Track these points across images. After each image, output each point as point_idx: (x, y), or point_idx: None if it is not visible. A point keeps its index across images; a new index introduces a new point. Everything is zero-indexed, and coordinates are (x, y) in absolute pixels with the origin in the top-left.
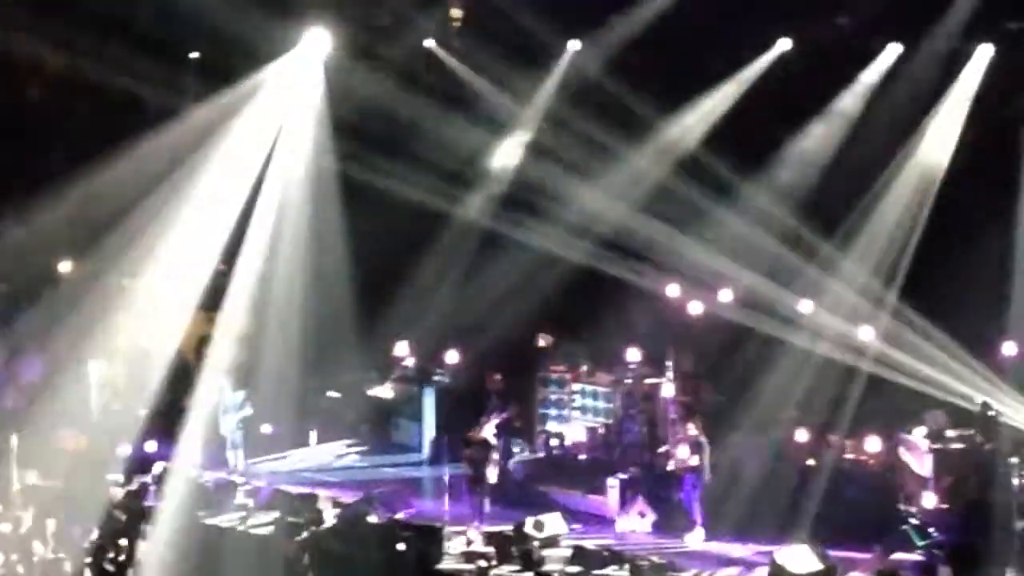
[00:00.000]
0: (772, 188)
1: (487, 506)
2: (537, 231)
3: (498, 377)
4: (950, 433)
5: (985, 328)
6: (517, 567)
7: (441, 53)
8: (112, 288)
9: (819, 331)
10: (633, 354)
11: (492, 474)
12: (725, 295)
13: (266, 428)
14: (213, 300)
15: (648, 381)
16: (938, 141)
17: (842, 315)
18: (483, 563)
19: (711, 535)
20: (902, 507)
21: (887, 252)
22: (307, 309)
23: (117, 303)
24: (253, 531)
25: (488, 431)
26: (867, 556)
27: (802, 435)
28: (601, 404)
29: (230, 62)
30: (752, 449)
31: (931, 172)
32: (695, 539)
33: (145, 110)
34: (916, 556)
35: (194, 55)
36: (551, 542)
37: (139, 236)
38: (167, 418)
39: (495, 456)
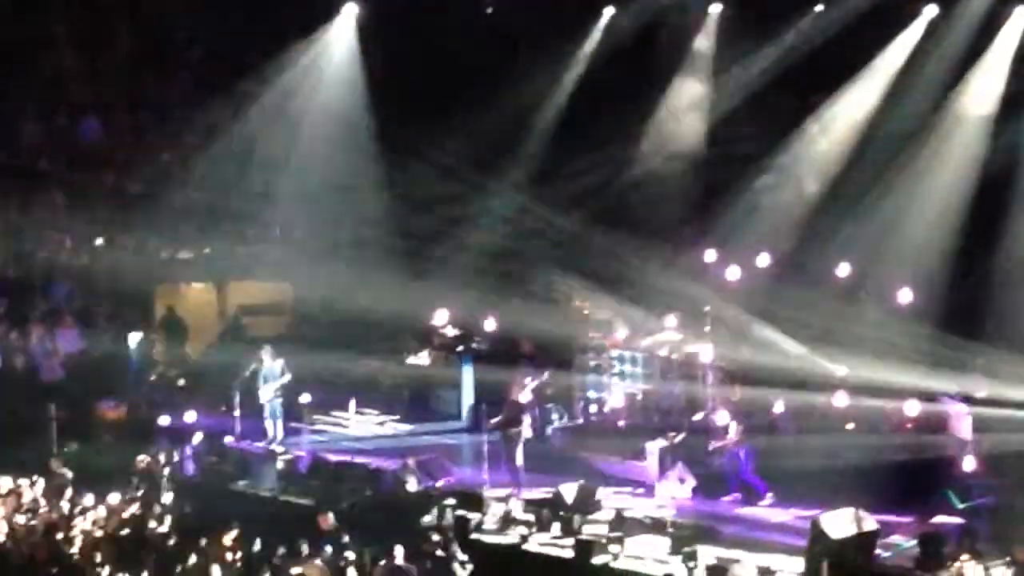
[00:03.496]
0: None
1: (522, 471)
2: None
3: (529, 343)
4: (989, 395)
5: None
6: (556, 534)
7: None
8: (151, 260)
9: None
10: (671, 320)
11: (524, 436)
12: (763, 260)
13: (304, 397)
14: (251, 270)
15: (686, 347)
16: (976, 103)
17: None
18: (523, 530)
19: (752, 500)
20: (942, 470)
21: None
22: (346, 276)
23: (156, 274)
24: (292, 500)
25: (524, 395)
26: (908, 519)
27: (842, 399)
28: (640, 370)
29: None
30: (791, 413)
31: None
32: (735, 504)
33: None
34: (957, 519)
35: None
36: (591, 509)
37: (181, 207)
38: (205, 388)
39: (527, 419)
